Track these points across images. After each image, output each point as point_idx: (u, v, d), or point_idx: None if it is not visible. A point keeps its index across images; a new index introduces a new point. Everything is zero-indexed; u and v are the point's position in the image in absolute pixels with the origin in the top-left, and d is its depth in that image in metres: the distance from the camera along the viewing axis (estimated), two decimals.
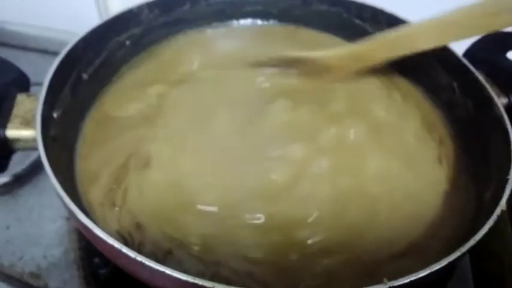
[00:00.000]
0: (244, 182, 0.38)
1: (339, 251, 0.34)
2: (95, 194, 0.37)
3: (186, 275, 0.26)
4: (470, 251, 0.46)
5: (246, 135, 0.41)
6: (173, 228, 0.35)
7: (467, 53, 0.48)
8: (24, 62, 0.42)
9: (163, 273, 0.26)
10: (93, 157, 0.40)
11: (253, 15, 0.55)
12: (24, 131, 0.36)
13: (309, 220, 0.36)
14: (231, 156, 0.40)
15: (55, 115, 0.39)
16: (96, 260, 0.44)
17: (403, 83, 0.50)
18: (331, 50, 0.47)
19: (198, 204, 0.36)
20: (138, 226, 0.35)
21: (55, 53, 0.40)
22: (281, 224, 0.35)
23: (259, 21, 0.55)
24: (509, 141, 0.37)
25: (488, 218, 0.31)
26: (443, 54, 0.46)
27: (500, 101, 0.41)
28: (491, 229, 0.31)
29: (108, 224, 0.35)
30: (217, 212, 0.36)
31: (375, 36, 0.46)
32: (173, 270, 0.26)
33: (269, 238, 0.35)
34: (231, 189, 0.37)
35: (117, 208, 0.36)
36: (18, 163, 0.52)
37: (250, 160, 0.39)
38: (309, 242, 0.35)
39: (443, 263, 0.28)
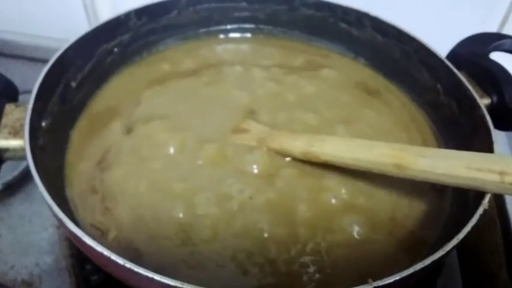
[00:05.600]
0: None
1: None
2: (82, 198, 0.38)
3: (174, 281, 0.26)
4: (457, 249, 0.47)
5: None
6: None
7: (451, 55, 0.48)
8: (11, 70, 0.42)
9: (151, 279, 0.27)
10: (80, 163, 0.40)
11: (241, 21, 0.56)
12: (12, 141, 0.36)
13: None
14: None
15: (44, 124, 0.39)
16: (88, 266, 0.44)
17: (388, 85, 0.51)
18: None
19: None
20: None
21: (43, 60, 0.41)
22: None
23: (246, 26, 0.56)
24: (491, 140, 0.37)
25: (471, 216, 0.31)
26: (427, 56, 0.47)
27: (483, 102, 0.42)
28: (477, 228, 0.31)
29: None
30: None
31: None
32: (162, 276, 0.26)
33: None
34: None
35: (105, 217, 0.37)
36: (8, 172, 0.52)
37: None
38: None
39: (427, 262, 0.28)
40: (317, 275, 0.34)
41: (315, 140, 0.40)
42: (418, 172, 0.34)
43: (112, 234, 0.36)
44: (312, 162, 0.40)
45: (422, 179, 0.34)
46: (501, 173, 0.30)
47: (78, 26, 0.52)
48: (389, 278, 0.27)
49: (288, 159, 0.41)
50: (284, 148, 0.41)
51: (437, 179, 0.34)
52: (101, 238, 0.36)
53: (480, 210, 0.32)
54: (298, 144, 0.40)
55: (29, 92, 0.38)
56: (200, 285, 0.26)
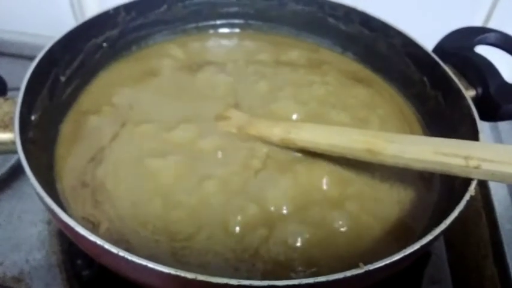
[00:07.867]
0: None
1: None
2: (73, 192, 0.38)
3: (168, 268, 0.26)
4: (445, 237, 0.48)
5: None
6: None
7: (437, 48, 0.49)
8: (0, 68, 0.42)
9: (145, 267, 0.27)
10: (70, 157, 0.40)
11: (230, 16, 0.56)
12: (2, 134, 0.36)
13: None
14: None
15: (33, 118, 0.39)
16: (79, 261, 0.44)
17: (376, 78, 0.52)
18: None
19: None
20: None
21: (31, 58, 0.40)
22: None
23: (235, 22, 0.56)
24: (476, 130, 0.38)
25: (458, 203, 0.32)
26: (414, 50, 0.48)
27: (468, 93, 0.43)
28: (463, 219, 0.32)
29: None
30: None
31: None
32: (155, 264, 0.27)
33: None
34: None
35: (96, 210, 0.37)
36: None
37: None
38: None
39: (416, 246, 0.29)
40: (307, 261, 0.34)
41: (292, 127, 0.41)
42: (388, 157, 0.35)
43: (103, 227, 0.36)
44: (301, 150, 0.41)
45: (393, 164, 0.36)
46: (466, 158, 0.32)
47: (64, 23, 0.52)
48: (379, 262, 0.27)
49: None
50: (263, 135, 0.42)
51: (407, 164, 0.35)
52: (92, 231, 0.35)
53: (467, 196, 0.32)
54: (276, 131, 0.41)
55: (16, 89, 0.38)
56: None
